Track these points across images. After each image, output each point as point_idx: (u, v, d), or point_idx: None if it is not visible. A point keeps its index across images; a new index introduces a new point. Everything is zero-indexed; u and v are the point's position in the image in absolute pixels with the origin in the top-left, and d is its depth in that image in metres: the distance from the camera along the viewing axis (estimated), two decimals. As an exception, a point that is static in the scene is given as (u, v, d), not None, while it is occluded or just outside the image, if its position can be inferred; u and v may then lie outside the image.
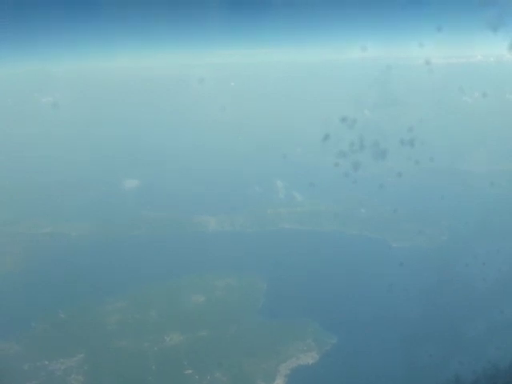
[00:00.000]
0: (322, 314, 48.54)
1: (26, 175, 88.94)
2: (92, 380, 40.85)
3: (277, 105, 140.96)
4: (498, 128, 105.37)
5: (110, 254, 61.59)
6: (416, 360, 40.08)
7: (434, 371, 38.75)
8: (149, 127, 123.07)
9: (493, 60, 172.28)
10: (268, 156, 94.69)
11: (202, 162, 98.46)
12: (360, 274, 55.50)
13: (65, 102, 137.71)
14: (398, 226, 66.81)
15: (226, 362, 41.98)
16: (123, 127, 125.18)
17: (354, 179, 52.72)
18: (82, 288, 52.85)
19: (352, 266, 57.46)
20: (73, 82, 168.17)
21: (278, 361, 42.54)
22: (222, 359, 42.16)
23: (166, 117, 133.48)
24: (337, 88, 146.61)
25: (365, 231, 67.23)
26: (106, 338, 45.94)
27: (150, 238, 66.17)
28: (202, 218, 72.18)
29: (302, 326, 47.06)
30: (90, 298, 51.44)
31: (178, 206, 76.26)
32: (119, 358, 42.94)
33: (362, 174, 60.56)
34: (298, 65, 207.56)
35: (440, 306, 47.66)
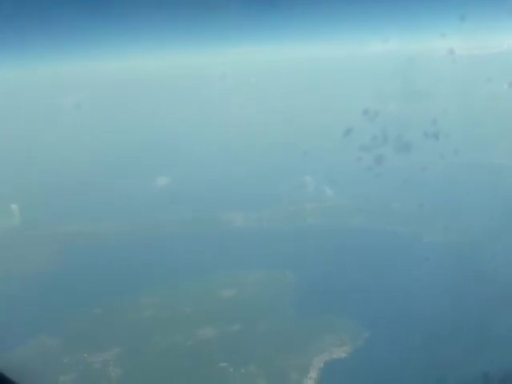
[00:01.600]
0: (353, 309, 48.58)
1: (52, 176, 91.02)
2: (129, 372, 42.12)
3: (299, 100, 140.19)
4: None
5: (139, 251, 62.81)
6: (446, 355, 39.89)
7: (462, 367, 38.58)
8: (174, 125, 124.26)
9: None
10: (295, 152, 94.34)
11: (228, 159, 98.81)
12: (389, 268, 55.33)
13: (86, 103, 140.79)
14: (424, 221, 66.16)
15: (259, 355, 42.68)
16: (149, 126, 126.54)
17: (377, 173, 52.16)
18: (115, 285, 54.31)
19: (381, 261, 57.25)
20: (94, 82, 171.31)
21: (310, 354, 42.93)
22: (255, 353, 42.90)
23: (190, 115, 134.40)
24: (359, 81, 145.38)
25: (392, 226, 66.82)
26: (140, 333, 47.18)
27: (178, 236, 67.26)
28: (230, 215, 72.98)
29: (333, 321, 47.27)
30: (124, 294, 52.75)
31: (206, 203, 77.12)
32: (154, 352, 44.06)
33: (386, 168, 60.22)
34: (319, 60, 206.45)
35: (469, 302, 47.26)
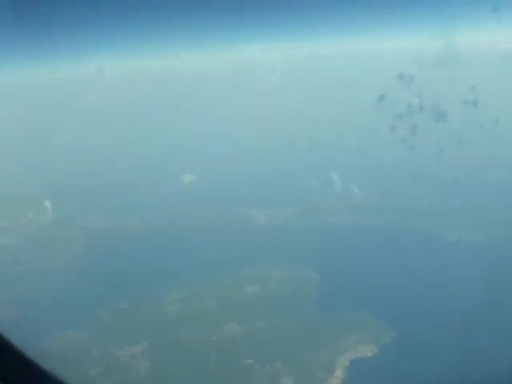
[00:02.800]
0: (378, 308, 48.17)
1: (82, 174, 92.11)
2: (156, 366, 42.66)
3: (329, 96, 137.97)
4: None
5: (165, 247, 63.55)
6: (472, 353, 39.44)
7: (492, 364, 37.72)
8: (198, 123, 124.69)
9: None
10: (324, 148, 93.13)
11: (253, 156, 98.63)
12: (414, 267, 54.57)
13: (110, 103, 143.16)
14: (456, 204, 62.66)
15: (284, 352, 42.63)
16: (175, 124, 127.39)
17: (411, 145, 49.86)
18: (141, 280, 55.02)
19: (406, 260, 56.54)
20: (117, 81, 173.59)
21: (336, 353, 42.68)
22: (280, 350, 42.83)
23: (214, 113, 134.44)
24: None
25: (419, 224, 65.23)
26: (167, 328, 47.82)
27: (202, 232, 67.74)
28: (253, 212, 73.02)
29: (358, 319, 46.95)
30: (150, 289, 53.52)
31: (230, 200, 77.34)
32: (180, 347, 44.61)
33: (421, 140, 56.73)
34: (350, 55, 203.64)
35: (497, 300, 46.04)
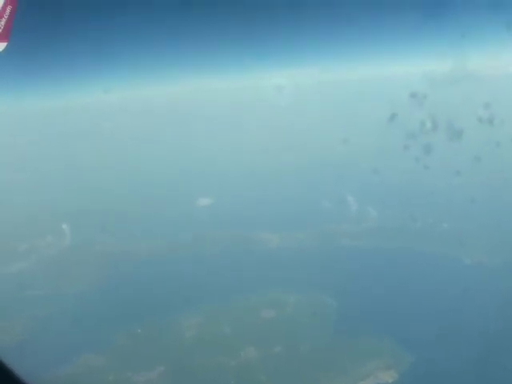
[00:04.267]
0: (396, 332, 47.47)
1: (99, 198, 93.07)
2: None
3: (341, 117, 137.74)
4: None
5: (180, 271, 63.63)
6: (494, 378, 38.70)
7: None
8: (214, 148, 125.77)
9: None
10: (337, 169, 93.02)
11: (270, 178, 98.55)
12: (431, 290, 53.89)
13: (126, 128, 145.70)
14: (474, 226, 61.64)
15: (303, 378, 42.01)
16: (190, 149, 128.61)
17: (425, 165, 49.02)
18: (157, 305, 54.93)
19: (423, 285, 55.83)
20: (134, 107, 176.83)
21: (355, 378, 42.00)
22: (298, 375, 42.21)
23: (228, 137, 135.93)
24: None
25: (436, 247, 64.46)
26: (183, 353, 47.53)
27: (216, 255, 67.71)
28: (268, 235, 72.94)
29: (377, 344, 46.29)
30: (165, 314, 53.33)
31: (245, 222, 77.36)
32: (198, 372, 44.23)
33: (435, 158, 55.66)
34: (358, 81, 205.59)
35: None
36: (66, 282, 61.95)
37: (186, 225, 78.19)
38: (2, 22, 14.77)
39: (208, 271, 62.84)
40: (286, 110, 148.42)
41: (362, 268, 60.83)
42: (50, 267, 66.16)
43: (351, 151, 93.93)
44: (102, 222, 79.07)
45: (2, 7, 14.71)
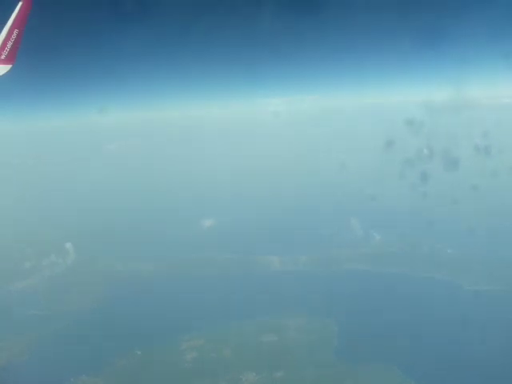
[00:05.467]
0: (399, 359, 47.14)
1: (103, 217, 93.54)
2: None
3: (346, 143, 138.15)
4: None
5: (181, 293, 63.40)
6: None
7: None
8: (218, 170, 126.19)
9: None
10: (337, 194, 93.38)
11: (276, 201, 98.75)
12: (435, 318, 53.82)
13: (132, 149, 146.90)
14: (474, 253, 61.86)
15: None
16: (196, 171, 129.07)
17: (422, 192, 49.17)
18: (157, 326, 54.52)
19: (426, 310, 55.80)
20: (139, 129, 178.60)
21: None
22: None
23: (237, 158, 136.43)
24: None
25: (437, 268, 64.55)
26: (183, 376, 47.07)
27: (218, 278, 67.62)
28: (268, 258, 73.10)
29: (380, 371, 45.96)
30: (165, 336, 53.01)
31: (247, 245, 77.44)
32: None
33: (432, 187, 55.91)
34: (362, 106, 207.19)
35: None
36: (67, 302, 61.82)
37: (188, 246, 78.11)
38: (9, 45, 15.57)
39: (209, 293, 62.68)
40: (285, 136, 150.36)
41: (362, 292, 60.79)
42: (53, 286, 66.18)
43: (349, 177, 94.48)
44: (104, 243, 79.64)
45: (9, 30, 15.52)
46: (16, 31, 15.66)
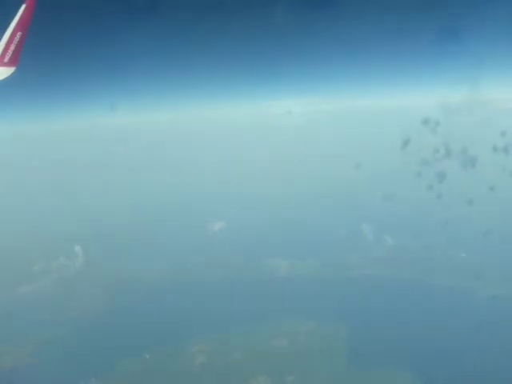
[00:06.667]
0: (410, 365, 46.51)
1: (112, 220, 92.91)
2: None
3: (361, 144, 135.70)
4: None
5: (189, 296, 62.98)
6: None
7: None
8: (233, 171, 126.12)
9: None
10: (351, 196, 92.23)
11: (287, 204, 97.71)
12: (448, 323, 52.81)
13: (143, 151, 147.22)
14: (489, 257, 60.73)
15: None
16: (207, 174, 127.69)
17: (438, 193, 48.23)
18: (166, 330, 54.24)
19: (439, 316, 54.92)
20: (148, 132, 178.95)
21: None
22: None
23: (248, 160, 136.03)
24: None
25: (450, 273, 63.47)
26: (193, 380, 46.75)
27: (227, 282, 67.15)
28: (281, 262, 72.52)
29: (393, 377, 45.33)
30: (174, 340, 52.67)
31: (257, 249, 76.86)
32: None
33: (449, 187, 54.89)
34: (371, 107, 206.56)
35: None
36: (75, 305, 61.60)
37: (197, 250, 77.74)
38: (12, 47, 15.53)
39: (218, 297, 62.29)
40: (299, 136, 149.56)
41: (371, 297, 60.09)
42: (61, 289, 66.04)
43: (364, 177, 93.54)
44: (113, 246, 79.22)
45: (12, 33, 15.49)
46: (19, 34, 15.69)
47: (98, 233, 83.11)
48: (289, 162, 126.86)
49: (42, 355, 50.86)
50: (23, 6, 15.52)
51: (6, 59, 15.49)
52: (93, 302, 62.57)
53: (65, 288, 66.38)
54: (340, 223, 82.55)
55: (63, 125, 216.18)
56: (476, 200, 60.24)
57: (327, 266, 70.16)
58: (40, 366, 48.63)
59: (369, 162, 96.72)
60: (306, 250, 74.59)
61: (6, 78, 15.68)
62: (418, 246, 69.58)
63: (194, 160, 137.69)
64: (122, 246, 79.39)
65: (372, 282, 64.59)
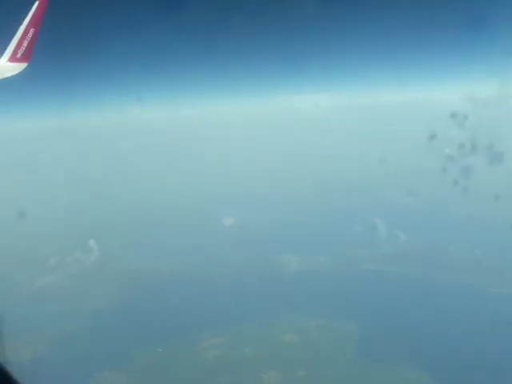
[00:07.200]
0: (421, 361, 46.30)
1: (126, 215, 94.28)
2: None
3: (379, 136, 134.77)
4: None
5: (201, 291, 63.48)
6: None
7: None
8: (240, 168, 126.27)
9: None
10: (373, 190, 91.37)
11: (297, 200, 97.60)
12: (457, 320, 52.63)
13: (157, 147, 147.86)
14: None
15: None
16: (217, 169, 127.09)
17: (464, 187, 47.53)
18: (178, 324, 54.83)
19: (446, 313, 54.54)
20: (172, 126, 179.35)
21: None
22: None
23: (255, 157, 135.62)
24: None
25: (469, 272, 62.67)
26: (205, 373, 47.21)
27: (238, 277, 67.46)
28: (291, 258, 72.62)
29: (403, 372, 45.27)
30: (186, 334, 53.19)
31: (269, 244, 76.97)
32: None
33: (474, 182, 54.27)
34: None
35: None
36: (90, 299, 62.50)
37: (209, 245, 78.30)
38: (25, 44, 15.84)
39: (229, 292, 62.59)
40: (323, 130, 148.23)
41: (382, 294, 59.83)
42: (76, 283, 67.13)
43: (388, 173, 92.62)
44: (127, 240, 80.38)
45: (25, 29, 15.79)
46: (32, 30, 15.94)
47: (112, 228, 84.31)
48: (312, 156, 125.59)
49: (56, 348, 51.84)
50: (36, 3, 15.78)
51: (19, 55, 15.84)
52: (106, 296, 63.46)
53: (80, 281, 67.45)
54: (358, 219, 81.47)
55: (76, 120, 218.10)
56: (502, 196, 59.16)
57: (340, 261, 69.98)
58: (55, 358, 49.52)
59: (394, 156, 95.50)
60: (320, 246, 74.59)
61: (19, 73, 16.03)
62: (440, 243, 68.91)
63: (217, 156, 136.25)
64: (135, 241, 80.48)
65: (385, 279, 64.32)
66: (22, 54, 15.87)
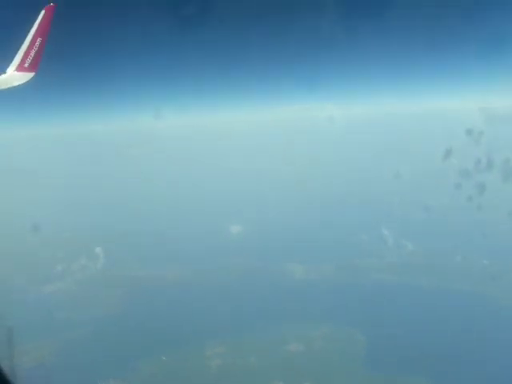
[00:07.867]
0: (429, 371, 45.76)
1: (132, 222, 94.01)
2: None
3: (396, 154, 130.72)
4: None
5: (205, 300, 63.21)
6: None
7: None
8: (248, 176, 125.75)
9: None
10: (386, 202, 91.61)
11: (306, 210, 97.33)
12: (461, 330, 52.25)
13: (165, 154, 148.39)
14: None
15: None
16: (225, 177, 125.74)
17: (478, 204, 47.34)
18: (182, 332, 54.61)
19: (454, 321, 54.11)
20: (184, 133, 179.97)
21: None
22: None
23: (263, 167, 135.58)
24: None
25: (474, 283, 62.29)
26: (208, 382, 46.82)
27: (243, 285, 67.26)
28: (297, 267, 72.33)
29: (409, 382, 44.53)
30: (190, 342, 52.96)
31: (273, 252, 77.00)
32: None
33: (488, 198, 53.67)
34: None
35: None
36: (95, 306, 62.48)
37: (214, 253, 78.16)
38: (32, 53, 15.89)
39: (233, 301, 62.39)
40: (336, 140, 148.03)
41: (386, 305, 59.39)
42: (82, 290, 67.13)
43: (401, 187, 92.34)
44: (132, 248, 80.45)
45: (32, 39, 15.83)
46: (39, 39, 16.00)
47: (118, 235, 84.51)
48: (322, 166, 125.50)
49: (62, 354, 51.79)
50: (43, 12, 15.86)
51: (26, 64, 15.97)
52: (112, 304, 63.41)
53: (85, 289, 67.48)
54: (367, 230, 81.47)
55: (81, 128, 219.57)
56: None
57: (347, 270, 69.57)
58: (60, 365, 49.48)
59: (408, 170, 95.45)
60: (324, 255, 74.31)
61: (26, 82, 16.21)
62: (452, 257, 68.61)
63: (227, 164, 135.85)
64: (140, 249, 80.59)
65: (395, 289, 64.04)
66: (30, 64, 15.99)
